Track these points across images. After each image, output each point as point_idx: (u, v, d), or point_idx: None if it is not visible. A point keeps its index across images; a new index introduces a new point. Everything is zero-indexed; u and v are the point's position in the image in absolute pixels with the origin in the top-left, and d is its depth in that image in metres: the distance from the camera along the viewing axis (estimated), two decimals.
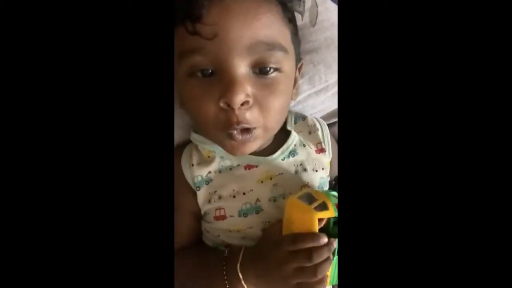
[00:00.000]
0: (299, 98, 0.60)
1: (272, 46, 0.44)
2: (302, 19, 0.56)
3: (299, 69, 0.56)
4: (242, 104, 0.44)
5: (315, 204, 0.42)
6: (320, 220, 0.43)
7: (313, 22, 0.56)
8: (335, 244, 0.43)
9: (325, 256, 0.42)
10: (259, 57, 0.44)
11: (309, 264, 0.41)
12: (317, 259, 0.41)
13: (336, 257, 0.43)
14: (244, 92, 0.43)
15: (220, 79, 0.44)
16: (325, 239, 0.42)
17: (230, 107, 0.44)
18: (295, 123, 0.58)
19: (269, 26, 0.44)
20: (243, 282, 0.46)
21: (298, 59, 0.54)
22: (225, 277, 0.47)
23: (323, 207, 0.42)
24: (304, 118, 0.59)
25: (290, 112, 0.59)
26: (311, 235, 0.42)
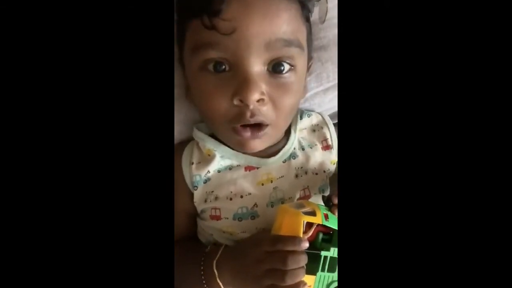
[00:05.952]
0: (306, 95, 0.58)
1: (290, 42, 0.44)
2: (311, 16, 0.54)
3: (308, 68, 0.55)
4: (258, 101, 0.44)
5: (304, 209, 0.43)
6: (307, 231, 0.42)
7: (322, 19, 0.54)
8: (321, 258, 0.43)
9: (301, 264, 0.41)
10: (275, 54, 0.44)
11: (283, 268, 0.40)
12: (292, 265, 0.40)
13: (326, 273, 0.43)
14: (259, 90, 0.44)
15: (234, 76, 0.44)
16: (306, 244, 0.41)
17: (244, 103, 0.44)
18: (301, 119, 0.57)
19: (289, 23, 0.44)
20: (218, 279, 0.45)
21: (310, 58, 0.53)
22: (202, 273, 0.47)
23: (311, 213, 0.42)
24: (310, 115, 0.58)
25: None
26: (293, 238, 0.41)
